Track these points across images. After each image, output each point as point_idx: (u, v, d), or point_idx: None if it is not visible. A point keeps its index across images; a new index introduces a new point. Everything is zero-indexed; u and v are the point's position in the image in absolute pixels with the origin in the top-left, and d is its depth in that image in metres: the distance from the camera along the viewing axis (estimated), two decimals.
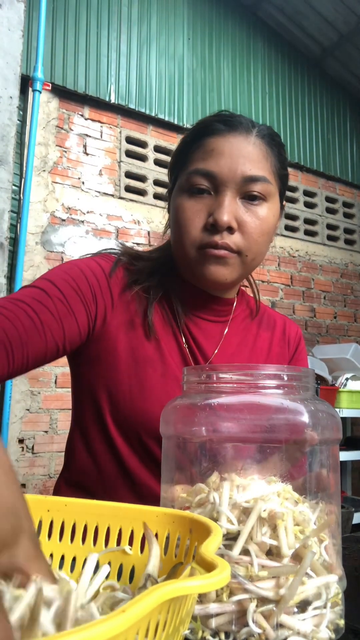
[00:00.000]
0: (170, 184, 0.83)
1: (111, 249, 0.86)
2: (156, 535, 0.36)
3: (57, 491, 0.84)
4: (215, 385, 0.46)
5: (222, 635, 0.37)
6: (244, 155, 0.73)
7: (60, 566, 0.38)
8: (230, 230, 0.72)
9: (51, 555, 0.39)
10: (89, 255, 0.83)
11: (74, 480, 0.81)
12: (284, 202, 0.84)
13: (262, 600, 0.37)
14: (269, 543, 0.39)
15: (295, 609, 0.37)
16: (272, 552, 0.39)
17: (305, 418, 0.42)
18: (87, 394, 0.79)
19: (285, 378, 0.44)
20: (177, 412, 0.47)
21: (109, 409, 0.76)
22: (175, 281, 0.82)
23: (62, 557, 0.39)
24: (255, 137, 0.74)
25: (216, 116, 0.77)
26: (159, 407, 0.73)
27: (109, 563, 0.36)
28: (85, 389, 0.79)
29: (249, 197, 0.74)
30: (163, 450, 0.49)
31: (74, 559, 0.38)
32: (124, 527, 0.37)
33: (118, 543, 0.37)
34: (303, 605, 0.38)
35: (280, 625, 0.37)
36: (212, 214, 0.72)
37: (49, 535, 0.39)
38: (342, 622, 0.40)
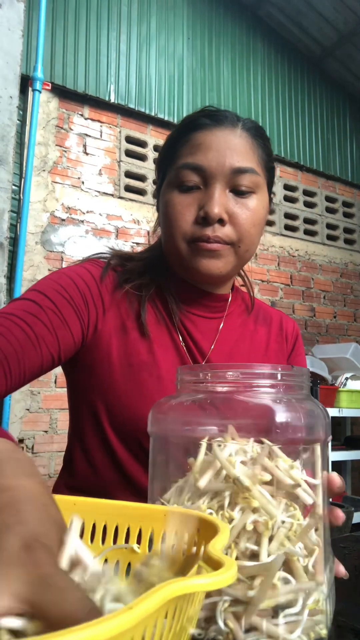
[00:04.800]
0: (158, 181, 0.82)
1: (100, 253, 0.84)
2: (164, 533, 0.36)
3: (57, 492, 0.83)
4: (208, 385, 0.45)
5: (195, 633, 0.37)
6: (231, 148, 0.72)
7: None
8: (221, 222, 0.72)
9: None
10: (78, 263, 0.82)
11: (74, 485, 0.80)
12: (273, 195, 0.84)
13: (236, 601, 0.37)
14: (251, 548, 0.38)
15: (273, 614, 0.37)
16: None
17: (292, 418, 0.41)
18: (84, 402, 0.77)
19: (279, 377, 0.44)
20: (165, 411, 0.47)
21: (106, 416, 0.75)
22: (168, 279, 0.81)
23: None
24: (241, 130, 0.74)
25: (201, 112, 0.77)
26: None
27: (117, 561, 0.37)
28: (82, 397, 0.78)
29: (238, 190, 0.74)
30: (151, 450, 0.48)
31: None
32: (132, 526, 0.37)
33: (126, 542, 0.37)
34: (281, 610, 0.37)
35: (254, 629, 0.36)
36: (202, 207, 0.72)
37: None
38: (324, 632, 0.39)
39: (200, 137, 0.73)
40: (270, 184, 0.81)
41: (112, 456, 0.75)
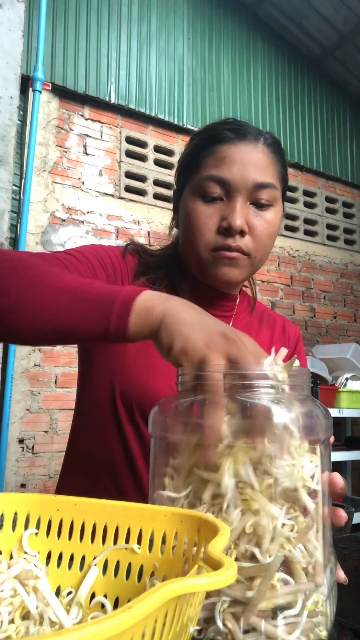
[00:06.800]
0: (178, 186, 0.86)
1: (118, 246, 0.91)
2: (164, 534, 0.36)
3: (62, 478, 0.86)
4: (209, 385, 0.45)
5: (195, 633, 0.37)
6: (254, 163, 0.77)
7: (70, 565, 0.39)
8: (242, 233, 0.76)
9: (60, 554, 0.39)
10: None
11: (77, 468, 0.84)
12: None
13: (235, 602, 0.37)
14: (251, 550, 0.38)
15: (272, 615, 0.37)
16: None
17: (288, 418, 0.41)
18: (99, 374, 0.81)
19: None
20: (165, 412, 0.47)
21: (119, 388, 0.78)
22: (182, 277, 0.86)
23: (72, 556, 0.40)
24: (262, 145, 0.79)
25: (224, 124, 0.81)
26: (167, 387, 0.75)
27: (118, 562, 0.37)
28: (98, 369, 0.82)
29: (259, 203, 0.78)
30: (151, 450, 0.49)
31: (83, 558, 0.39)
32: (132, 526, 0.37)
33: (126, 542, 0.37)
34: (281, 611, 0.37)
35: (253, 630, 0.36)
36: (225, 218, 0.76)
37: (59, 534, 0.40)
38: (324, 634, 0.39)
39: (224, 150, 0.77)
40: (284, 194, 0.86)
41: (118, 427, 0.79)
